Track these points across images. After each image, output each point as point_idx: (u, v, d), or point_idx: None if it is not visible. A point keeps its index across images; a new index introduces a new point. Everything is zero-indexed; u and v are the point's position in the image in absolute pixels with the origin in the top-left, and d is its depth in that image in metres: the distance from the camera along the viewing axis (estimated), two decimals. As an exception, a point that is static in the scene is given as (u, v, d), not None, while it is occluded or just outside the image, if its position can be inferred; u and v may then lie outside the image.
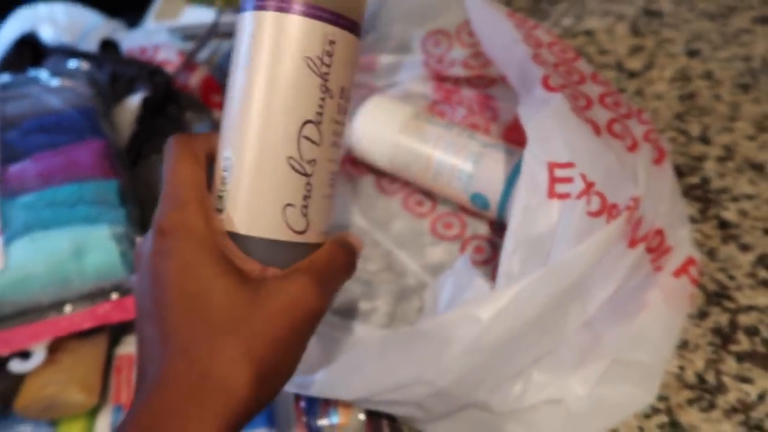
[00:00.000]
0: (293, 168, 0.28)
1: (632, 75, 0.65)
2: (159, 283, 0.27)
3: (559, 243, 0.36)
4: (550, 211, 0.37)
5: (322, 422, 0.41)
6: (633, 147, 0.43)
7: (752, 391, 0.42)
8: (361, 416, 0.41)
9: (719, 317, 0.45)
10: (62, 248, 0.41)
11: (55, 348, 0.42)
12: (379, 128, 0.54)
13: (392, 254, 0.53)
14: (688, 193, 0.53)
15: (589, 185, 0.36)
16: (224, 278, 0.26)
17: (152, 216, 0.32)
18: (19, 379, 0.41)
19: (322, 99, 0.28)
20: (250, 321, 0.26)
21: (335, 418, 0.41)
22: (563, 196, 0.36)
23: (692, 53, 0.66)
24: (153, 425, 0.24)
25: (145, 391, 0.25)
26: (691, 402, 0.42)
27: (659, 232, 0.40)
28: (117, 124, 0.54)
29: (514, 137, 0.54)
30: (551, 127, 0.38)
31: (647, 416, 0.41)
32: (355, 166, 0.59)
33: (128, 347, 0.45)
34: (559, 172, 0.37)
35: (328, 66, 0.27)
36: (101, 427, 0.43)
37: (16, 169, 0.46)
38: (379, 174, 0.59)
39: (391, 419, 0.42)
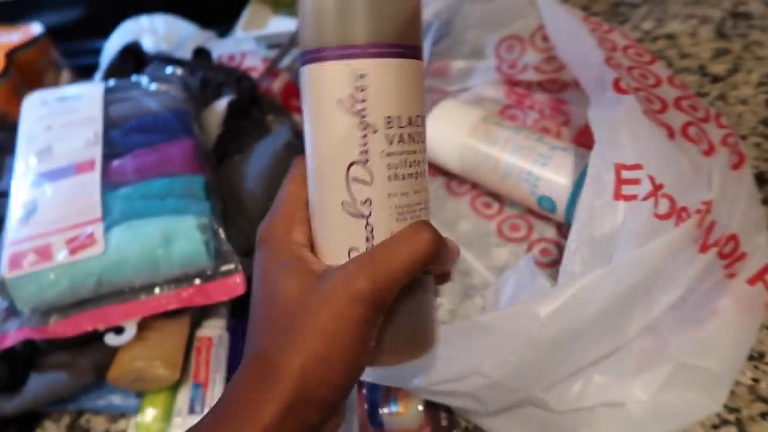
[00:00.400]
0: (349, 213, 0.28)
1: (716, 79, 0.63)
2: (253, 285, 0.30)
3: (623, 244, 0.36)
4: (615, 212, 0.37)
5: (383, 410, 0.42)
6: (709, 151, 0.42)
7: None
8: (420, 407, 0.42)
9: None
10: (153, 236, 0.46)
11: (144, 326, 0.46)
12: (448, 131, 0.56)
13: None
14: (769, 200, 0.50)
15: (657, 187, 0.36)
16: (293, 280, 0.28)
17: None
18: (113, 352, 0.46)
19: (364, 137, 0.27)
20: (299, 315, 0.27)
21: (395, 407, 0.42)
22: (629, 198, 0.36)
23: (783, 56, 0.63)
24: (228, 408, 0.27)
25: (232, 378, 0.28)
26: (764, 415, 0.40)
27: (733, 238, 0.39)
28: (205, 125, 0.59)
29: (585, 141, 0.54)
30: (620, 129, 0.38)
31: (715, 427, 0.40)
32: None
33: (208, 330, 0.49)
34: (626, 174, 0.37)
35: (363, 101, 0.26)
36: (181, 401, 0.46)
37: (117, 165, 0.51)
38: (450, 176, 0.60)
39: (449, 411, 0.43)
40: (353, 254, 0.28)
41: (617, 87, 0.40)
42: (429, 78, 0.63)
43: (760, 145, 0.56)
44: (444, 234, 0.31)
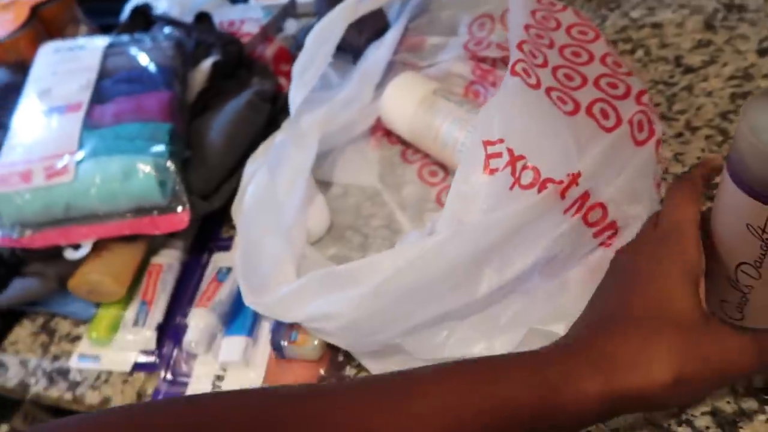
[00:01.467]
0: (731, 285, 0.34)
1: (688, 70, 0.63)
2: (633, 271, 0.35)
3: (482, 213, 0.39)
4: (482, 185, 0.40)
5: (283, 340, 0.48)
6: (611, 127, 0.44)
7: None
8: (316, 342, 0.47)
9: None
10: (115, 171, 0.53)
11: (102, 247, 0.54)
12: (402, 101, 0.59)
13: (395, 215, 0.58)
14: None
15: (517, 158, 0.39)
16: (687, 296, 0.32)
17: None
18: (73, 266, 0.53)
19: (762, 254, 0.31)
20: (688, 337, 0.30)
21: (294, 337, 0.48)
22: (494, 171, 0.40)
23: (763, 52, 0.62)
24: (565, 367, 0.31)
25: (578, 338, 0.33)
26: None
27: (600, 206, 0.41)
28: (191, 82, 0.65)
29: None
30: (494, 110, 0.41)
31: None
32: (388, 136, 0.65)
33: (161, 258, 0.56)
34: (491, 149, 0.40)
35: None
36: (129, 314, 0.54)
37: (100, 109, 0.58)
38: (407, 145, 0.64)
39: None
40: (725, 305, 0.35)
41: (512, 70, 0.43)
42: (403, 52, 0.67)
43: (711, 137, 0.56)
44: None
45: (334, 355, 0.49)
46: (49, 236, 0.53)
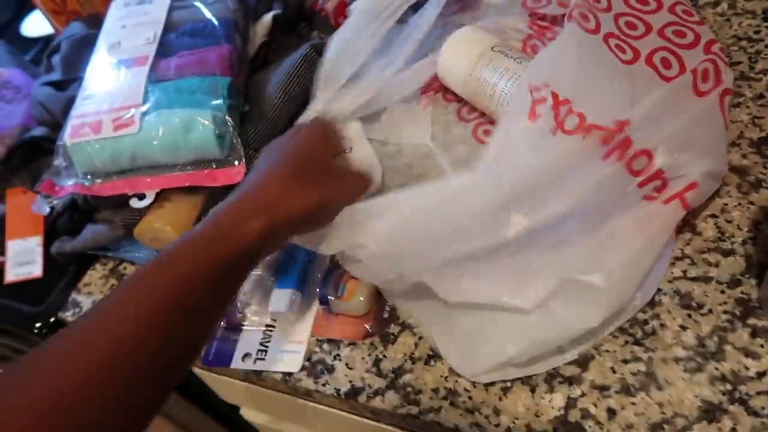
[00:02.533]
0: None
1: (777, 23, 0.57)
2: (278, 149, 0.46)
3: (519, 154, 0.38)
4: (524, 131, 0.39)
5: (330, 294, 0.49)
6: (671, 77, 0.42)
7: (753, 367, 0.39)
8: (362, 298, 0.48)
9: (751, 290, 0.42)
10: (176, 124, 0.55)
11: (164, 197, 0.56)
12: (459, 56, 0.58)
13: (446, 173, 0.57)
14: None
15: (560, 102, 0.38)
16: (317, 152, 0.45)
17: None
18: (138, 215, 0.56)
19: None
20: (320, 178, 0.43)
21: (341, 292, 0.49)
22: (537, 115, 0.39)
23: None
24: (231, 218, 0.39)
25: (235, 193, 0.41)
26: (678, 360, 0.41)
27: (646, 153, 0.39)
28: (252, 36, 0.66)
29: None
30: (545, 56, 0.39)
31: (625, 362, 0.42)
32: (444, 93, 0.64)
33: (219, 209, 0.58)
34: (537, 94, 0.39)
35: None
36: (188, 262, 0.57)
37: (164, 63, 0.60)
38: (463, 103, 0.62)
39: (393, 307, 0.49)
40: None
41: (569, 15, 0.41)
42: (457, 13, 0.64)
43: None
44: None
45: (379, 311, 0.50)
46: (117, 185, 0.56)
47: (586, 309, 0.41)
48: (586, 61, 0.43)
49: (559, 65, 0.42)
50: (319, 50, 0.60)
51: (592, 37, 0.44)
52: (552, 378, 0.43)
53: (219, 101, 0.56)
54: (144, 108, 0.56)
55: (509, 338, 0.42)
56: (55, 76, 0.67)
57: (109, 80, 0.59)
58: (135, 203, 0.55)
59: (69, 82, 0.66)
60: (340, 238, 0.45)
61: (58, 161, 0.57)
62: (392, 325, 0.49)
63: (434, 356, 0.46)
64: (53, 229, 0.63)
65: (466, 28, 0.59)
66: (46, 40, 0.93)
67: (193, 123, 0.54)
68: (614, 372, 0.42)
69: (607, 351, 0.43)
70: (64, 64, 0.67)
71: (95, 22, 0.69)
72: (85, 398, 0.30)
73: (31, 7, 0.96)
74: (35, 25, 0.95)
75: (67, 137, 0.56)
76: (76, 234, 0.61)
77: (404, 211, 0.41)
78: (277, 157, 0.44)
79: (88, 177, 0.57)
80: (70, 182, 0.57)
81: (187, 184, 0.55)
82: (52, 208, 0.60)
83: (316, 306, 0.51)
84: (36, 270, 0.63)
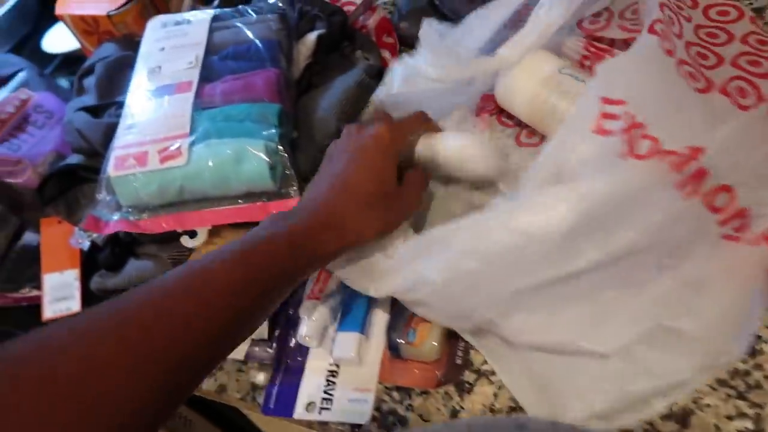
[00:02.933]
0: None
1: None
2: (348, 154, 0.46)
3: (585, 175, 0.36)
4: (587, 145, 0.37)
5: (400, 339, 0.46)
6: (748, 107, 0.40)
7: None
8: (435, 343, 0.45)
9: None
10: (227, 155, 0.52)
11: (214, 232, 0.53)
12: (523, 79, 0.55)
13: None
14: None
15: (635, 125, 0.35)
16: (387, 171, 0.45)
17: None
18: (187, 249, 0.53)
19: None
20: (386, 203, 0.44)
21: (411, 338, 0.46)
22: (605, 132, 0.36)
23: None
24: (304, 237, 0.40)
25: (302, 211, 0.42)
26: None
27: (726, 189, 0.36)
28: (296, 56, 0.63)
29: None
30: (622, 66, 0.38)
31: (730, 418, 0.39)
32: (499, 116, 0.61)
33: (270, 244, 0.55)
34: (609, 108, 0.36)
35: None
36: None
37: (209, 88, 0.57)
38: (523, 126, 0.59)
39: (465, 351, 0.46)
40: None
41: (651, 28, 0.39)
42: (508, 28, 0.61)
43: None
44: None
45: (451, 356, 0.47)
46: (165, 221, 0.53)
47: (677, 358, 0.38)
48: (663, 82, 0.40)
49: (636, 82, 0.40)
50: (371, 74, 0.58)
51: (668, 59, 0.42)
52: (649, 435, 0.40)
53: (271, 130, 0.53)
54: (191, 138, 0.53)
55: (594, 389, 0.39)
56: (90, 100, 0.64)
57: (152, 108, 0.56)
58: (186, 242, 0.52)
59: (105, 107, 0.63)
60: (397, 275, 0.42)
61: (101, 195, 0.54)
62: (466, 372, 0.46)
63: (516, 407, 0.43)
64: (92, 262, 0.60)
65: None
66: (66, 55, 0.90)
67: (244, 154, 0.52)
68: (719, 430, 0.39)
69: (708, 405, 0.40)
70: (100, 87, 0.64)
71: (129, 43, 0.66)
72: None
73: (51, 21, 0.93)
74: (57, 40, 0.92)
75: (111, 169, 0.53)
76: (117, 268, 0.58)
77: (466, 241, 0.39)
78: (347, 171, 0.44)
79: (134, 211, 0.54)
80: (115, 217, 0.54)
81: (239, 220, 0.52)
82: (92, 242, 0.57)
83: (381, 349, 0.48)
84: (74, 305, 0.60)
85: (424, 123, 0.50)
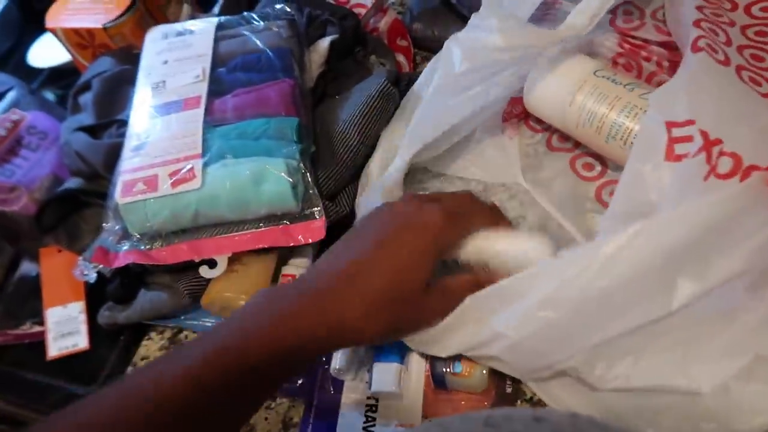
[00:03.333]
0: None
1: None
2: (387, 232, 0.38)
3: (667, 204, 0.33)
4: (663, 174, 0.34)
5: (446, 370, 0.43)
6: None
7: None
8: (484, 371, 0.42)
9: None
10: (244, 175, 0.48)
11: (233, 260, 0.49)
12: (555, 84, 0.51)
13: (549, 215, 0.51)
14: None
15: (712, 143, 0.32)
16: (422, 271, 0.37)
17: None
18: (207, 280, 0.49)
19: None
20: (405, 308, 0.38)
21: (458, 368, 0.42)
22: (680, 157, 0.33)
23: None
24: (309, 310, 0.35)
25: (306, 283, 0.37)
26: None
27: None
28: (308, 64, 0.59)
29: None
30: (678, 88, 0.35)
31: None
32: (527, 120, 0.57)
33: (292, 268, 0.51)
34: (677, 132, 0.34)
35: None
36: (264, 331, 0.50)
37: (219, 103, 0.53)
38: (552, 130, 0.56)
39: (514, 379, 0.43)
40: None
41: (694, 46, 0.36)
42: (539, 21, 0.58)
43: None
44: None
45: (500, 385, 0.43)
46: (180, 251, 0.49)
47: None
48: (726, 94, 0.38)
49: (700, 99, 0.37)
50: (392, 80, 0.54)
51: (725, 69, 0.39)
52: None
53: (290, 147, 0.49)
54: (205, 159, 0.49)
55: (683, 427, 0.36)
56: (87, 119, 0.60)
57: (159, 127, 0.52)
58: (206, 272, 0.48)
59: (104, 126, 0.58)
60: (462, 333, 0.39)
61: (109, 225, 0.50)
62: (519, 401, 0.42)
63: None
64: (98, 293, 0.56)
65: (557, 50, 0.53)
66: (54, 69, 0.85)
67: (264, 174, 0.48)
68: None
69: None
70: (98, 105, 0.59)
71: (127, 56, 0.62)
72: None
73: (36, 33, 0.88)
74: (44, 53, 0.87)
75: (119, 196, 0.49)
76: (128, 301, 0.54)
77: (543, 287, 0.35)
78: (368, 256, 0.37)
79: (145, 240, 0.50)
80: (125, 247, 0.50)
81: (262, 246, 0.48)
82: (100, 274, 0.53)
83: (422, 380, 0.45)
84: (81, 342, 0.56)
85: (494, 221, 0.41)
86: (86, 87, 0.62)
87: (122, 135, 0.55)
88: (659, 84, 0.52)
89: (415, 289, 0.36)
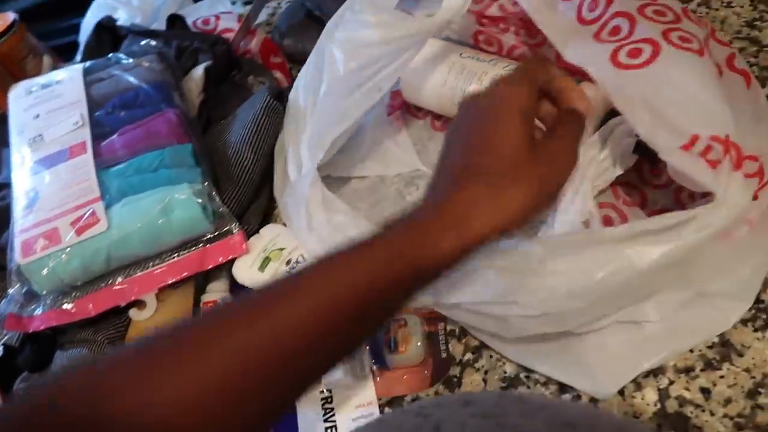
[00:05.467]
0: None
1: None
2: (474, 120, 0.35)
3: None
4: None
5: (385, 350, 0.45)
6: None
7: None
8: (419, 343, 0.45)
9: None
10: (152, 208, 0.48)
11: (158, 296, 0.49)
12: (427, 72, 0.56)
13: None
14: None
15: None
16: (518, 135, 0.34)
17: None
18: (127, 323, 0.48)
19: None
20: (524, 174, 0.33)
21: (395, 346, 0.45)
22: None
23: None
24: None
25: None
26: (744, 321, 0.41)
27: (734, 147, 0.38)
28: (186, 93, 0.59)
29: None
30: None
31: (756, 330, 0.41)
32: (408, 108, 0.61)
33: (212, 294, 0.51)
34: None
35: None
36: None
37: (106, 144, 0.52)
38: (433, 114, 0.61)
39: (446, 344, 0.46)
40: None
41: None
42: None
43: (745, 49, 0.55)
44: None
45: (436, 353, 0.46)
46: (103, 298, 0.47)
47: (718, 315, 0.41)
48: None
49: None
50: (275, 95, 0.56)
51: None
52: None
53: (192, 171, 0.50)
54: (105, 200, 0.48)
55: (644, 352, 0.41)
56: (-41, 189, 0.56)
57: (48, 180, 0.50)
58: (137, 315, 0.47)
59: (-20, 194, 0.55)
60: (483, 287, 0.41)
61: (14, 289, 0.48)
62: (454, 365, 0.46)
63: (508, 386, 0.44)
64: (9, 367, 0.52)
65: (431, 40, 0.57)
66: None
67: (171, 203, 0.48)
68: (691, 351, 0.41)
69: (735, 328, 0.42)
70: (-32, 173, 0.56)
71: (-10, 118, 0.59)
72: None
73: None
74: None
75: (19, 257, 0.47)
76: (44, 367, 0.51)
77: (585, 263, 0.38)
78: (465, 146, 0.34)
79: (57, 297, 0.48)
80: (38, 310, 0.47)
81: (183, 275, 0.48)
82: (5, 346, 0.50)
83: (367, 364, 0.47)
84: (2, 422, 0.52)
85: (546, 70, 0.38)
86: (-50, 157, 0.58)
87: (5, 197, 0.52)
88: (520, 57, 0.58)
89: (523, 149, 0.33)
